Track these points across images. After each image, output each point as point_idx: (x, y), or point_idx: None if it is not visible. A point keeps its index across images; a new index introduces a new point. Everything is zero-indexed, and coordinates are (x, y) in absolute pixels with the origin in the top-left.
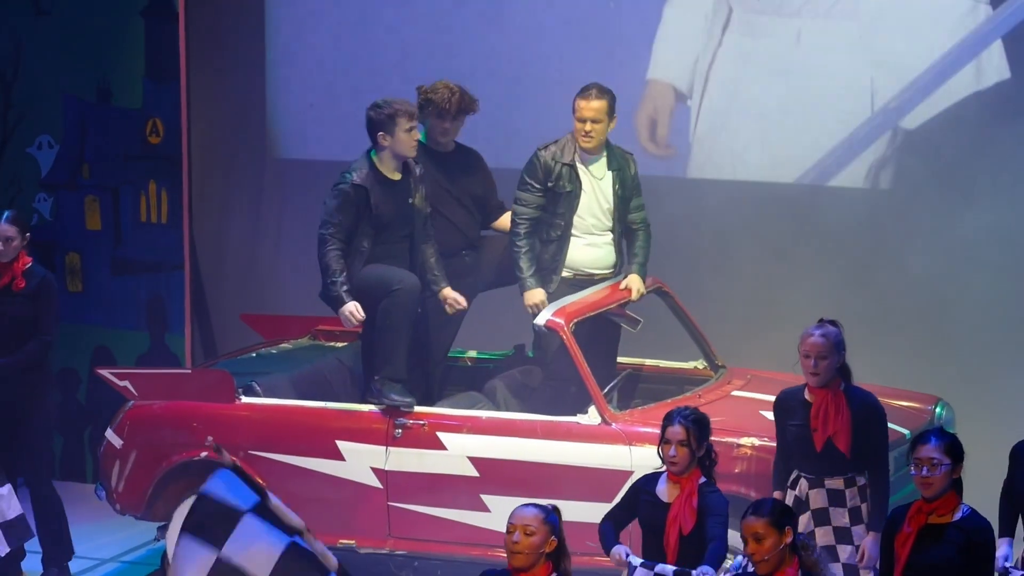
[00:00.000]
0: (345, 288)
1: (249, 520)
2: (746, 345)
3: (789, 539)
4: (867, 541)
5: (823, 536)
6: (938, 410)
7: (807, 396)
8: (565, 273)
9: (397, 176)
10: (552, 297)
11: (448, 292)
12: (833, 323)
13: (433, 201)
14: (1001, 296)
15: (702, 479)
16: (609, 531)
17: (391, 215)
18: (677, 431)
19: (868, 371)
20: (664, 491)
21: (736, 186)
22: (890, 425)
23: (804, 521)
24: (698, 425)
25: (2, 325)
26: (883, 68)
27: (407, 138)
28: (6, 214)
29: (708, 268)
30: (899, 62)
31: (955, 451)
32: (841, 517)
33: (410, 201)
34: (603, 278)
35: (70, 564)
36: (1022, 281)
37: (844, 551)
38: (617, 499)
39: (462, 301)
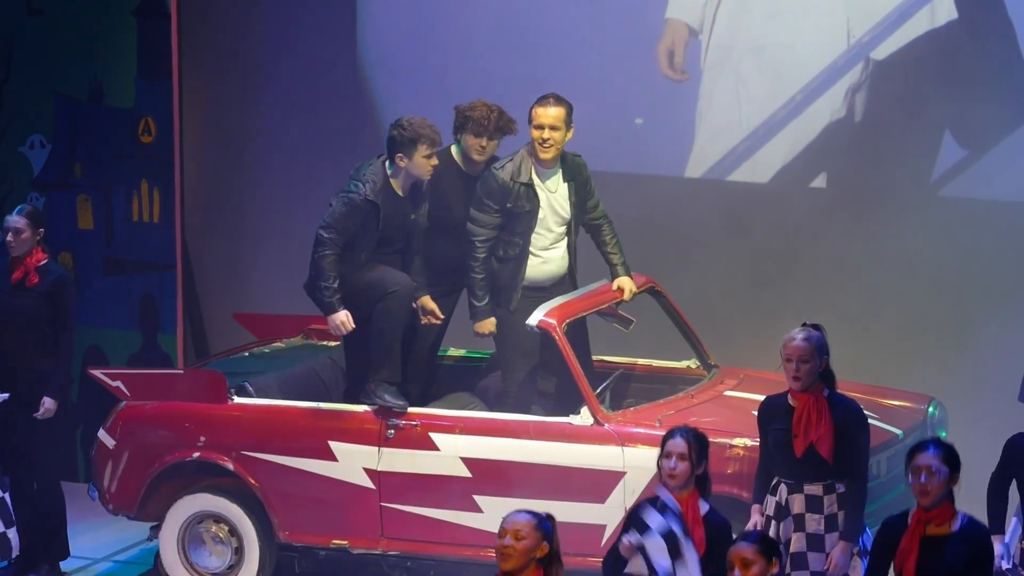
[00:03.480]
0: (337, 296)
1: None
2: (739, 344)
3: (775, 570)
4: (836, 550)
5: (797, 542)
6: (931, 409)
7: (790, 401)
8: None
9: (403, 193)
10: (513, 316)
11: (427, 302)
12: (816, 327)
13: (453, 224)
14: (994, 291)
15: (705, 506)
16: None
17: (393, 230)
18: (679, 443)
19: (861, 370)
20: None
21: (729, 186)
22: (883, 425)
23: (785, 527)
24: (699, 441)
25: (15, 320)
26: (857, 9)
27: (424, 163)
28: (19, 208)
29: (701, 267)
30: (870, 3)
31: (953, 460)
32: (815, 523)
33: (412, 217)
34: (553, 288)
35: (64, 563)
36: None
37: (814, 559)
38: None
39: (440, 316)
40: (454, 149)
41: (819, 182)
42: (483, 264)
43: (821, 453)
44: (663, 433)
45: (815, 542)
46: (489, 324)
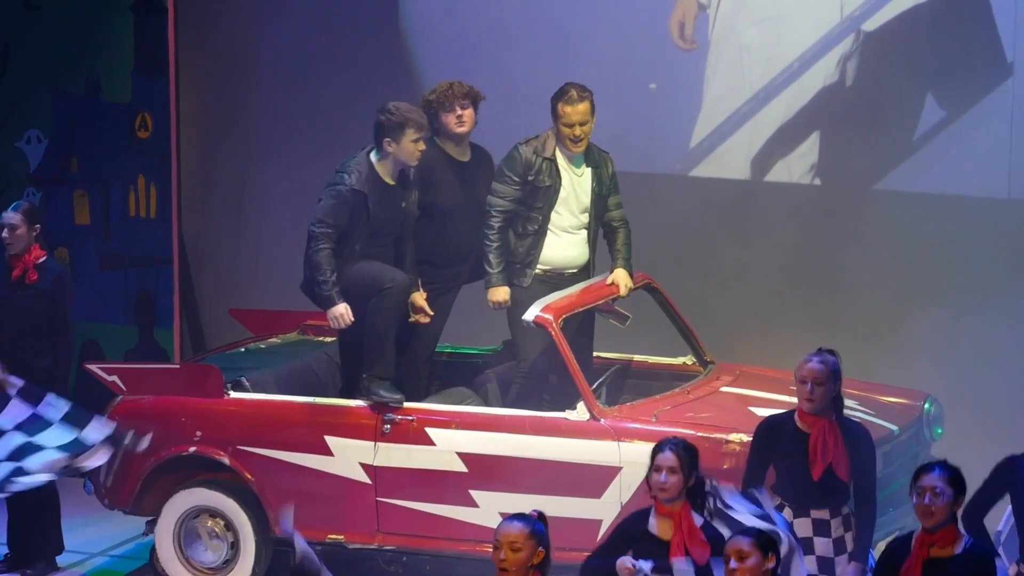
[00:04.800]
0: (336, 289)
1: None
2: (735, 340)
3: (771, 564)
4: (850, 569)
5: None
6: (926, 406)
7: (800, 425)
8: (537, 269)
9: (392, 181)
10: (526, 293)
11: (417, 299)
12: (831, 352)
13: (446, 211)
14: (993, 288)
15: (699, 519)
16: (598, 569)
17: (385, 220)
18: (668, 457)
19: (860, 368)
20: (656, 527)
21: (728, 184)
22: (879, 421)
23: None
24: (688, 453)
25: (15, 318)
26: None
27: (412, 148)
28: (15, 204)
29: (698, 264)
30: None
31: (958, 483)
32: (825, 547)
33: (403, 205)
34: (573, 276)
35: (59, 558)
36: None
37: None
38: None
39: (429, 313)
40: (438, 139)
41: (815, 178)
42: (498, 234)
43: (840, 476)
44: (659, 429)
45: (825, 566)
46: (503, 292)
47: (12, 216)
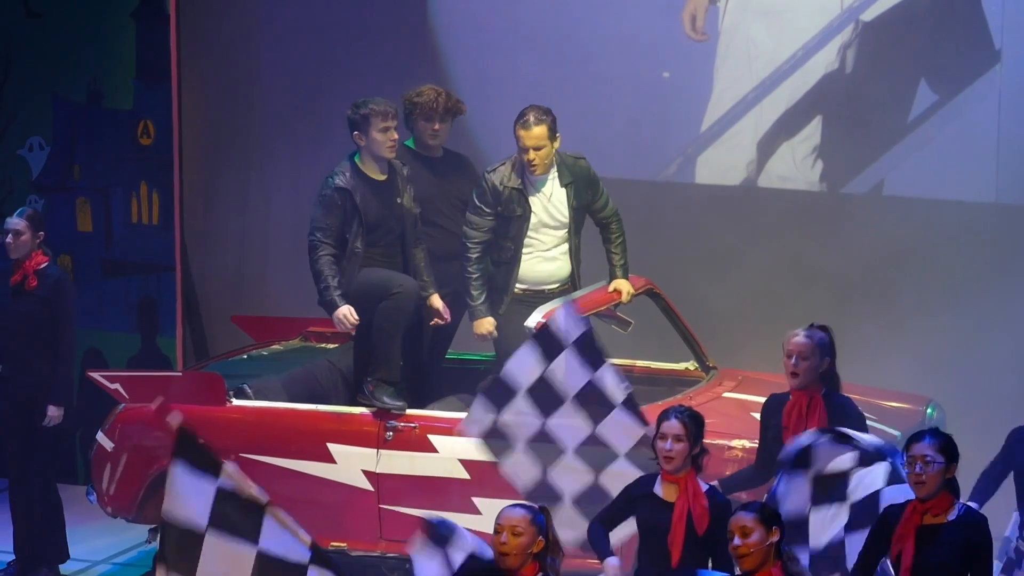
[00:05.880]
0: (338, 293)
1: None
2: (737, 346)
3: (775, 538)
4: None
5: None
6: (929, 411)
7: (791, 400)
8: (516, 288)
9: (382, 177)
10: (503, 319)
11: (435, 301)
12: (823, 328)
13: (425, 207)
14: (993, 294)
15: (705, 485)
16: (601, 535)
17: (379, 215)
18: (674, 425)
19: (862, 372)
20: (662, 491)
21: (730, 189)
22: (880, 426)
23: None
24: (694, 422)
25: (14, 323)
26: None
27: (382, 138)
28: (19, 210)
29: (701, 269)
30: None
31: (949, 450)
32: None
33: (398, 201)
34: (553, 292)
35: (63, 566)
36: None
37: None
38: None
39: (446, 315)
40: (408, 144)
41: (817, 160)
42: (477, 265)
43: None
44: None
45: None
46: (487, 324)
47: (17, 222)
